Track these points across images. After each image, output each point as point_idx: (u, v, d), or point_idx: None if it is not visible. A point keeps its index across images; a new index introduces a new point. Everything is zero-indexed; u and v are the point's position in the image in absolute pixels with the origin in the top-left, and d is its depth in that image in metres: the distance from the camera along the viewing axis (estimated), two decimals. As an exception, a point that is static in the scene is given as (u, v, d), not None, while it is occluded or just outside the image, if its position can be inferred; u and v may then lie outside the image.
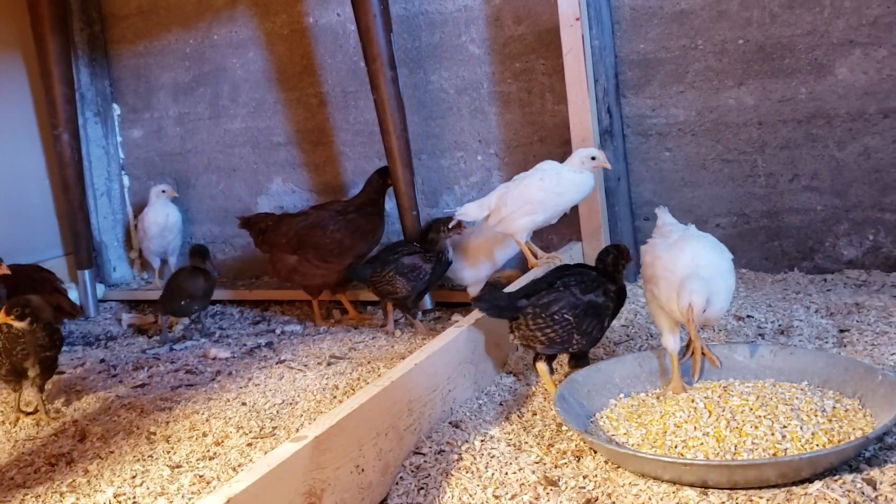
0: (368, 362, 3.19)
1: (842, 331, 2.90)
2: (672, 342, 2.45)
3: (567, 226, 4.16)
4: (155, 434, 2.70)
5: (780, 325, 3.01)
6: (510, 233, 3.49)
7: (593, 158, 3.36)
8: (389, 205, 4.19)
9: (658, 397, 2.39)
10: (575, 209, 3.92)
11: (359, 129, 4.60)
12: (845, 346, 2.76)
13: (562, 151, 3.98)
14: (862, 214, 3.66)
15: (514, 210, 3.40)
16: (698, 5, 3.85)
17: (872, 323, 2.93)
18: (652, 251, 2.52)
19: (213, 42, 4.89)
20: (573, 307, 2.54)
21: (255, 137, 4.88)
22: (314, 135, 4.73)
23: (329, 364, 3.22)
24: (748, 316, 3.11)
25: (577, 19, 3.74)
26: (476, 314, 2.75)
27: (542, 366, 2.59)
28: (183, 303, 3.86)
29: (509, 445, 2.26)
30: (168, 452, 2.55)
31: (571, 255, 3.82)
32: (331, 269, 3.97)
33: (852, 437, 2.01)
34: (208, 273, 3.93)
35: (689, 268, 2.30)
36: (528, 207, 3.37)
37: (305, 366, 3.24)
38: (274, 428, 2.65)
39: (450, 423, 2.40)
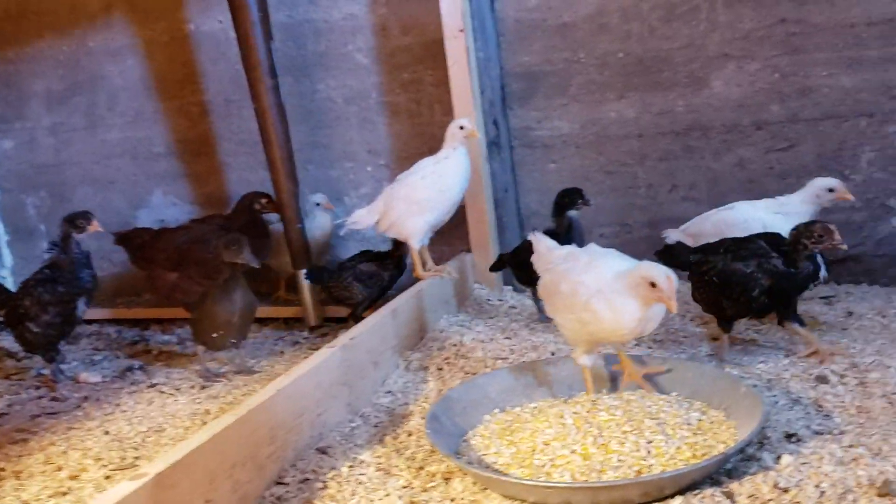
0: (245, 384, 3.06)
1: (714, 339, 2.96)
2: (588, 360, 2.41)
3: (458, 237, 4.15)
4: (4, 470, 2.51)
5: (657, 336, 3.04)
6: (403, 237, 3.44)
7: (462, 128, 3.36)
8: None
9: (532, 412, 2.37)
10: (465, 221, 3.91)
11: (242, 138, 4.46)
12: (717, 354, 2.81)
13: (450, 162, 3.94)
14: (739, 224, 3.74)
15: (402, 212, 3.36)
16: (580, 18, 3.88)
17: (742, 332, 2.99)
18: (569, 277, 2.35)
19: (88, 49, 4.66)
20: None
21: (135, 148, 4.67)
22: (196, 145, 4.56)
23: (203, 387, 3.08)
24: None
25: (461, 31, 3.72)
26: (353, 333, 2.68)
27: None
28: None
29: (379, 470, 2.19)
30: (17, 490, 2.37)
31: (461, 266, 3.79)
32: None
33: (715, 451, 2.02)
34: None
35: (627, 273, 2.23)
36: (417, 207, 3.34)
37: (177, 389, 3.09)
38: (136, 458, 2.50)
39: (317, 449, 2.31)
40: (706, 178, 3.82)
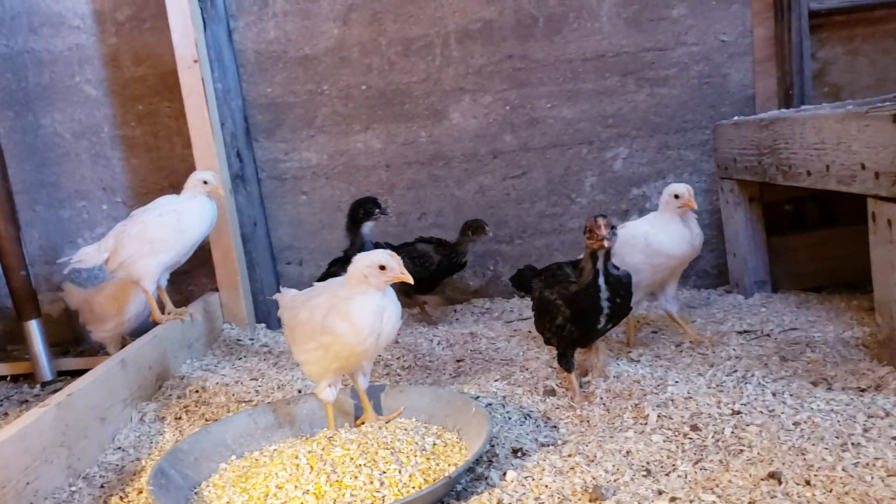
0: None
1: (458, 361, 3.04)
2: (330, 394, 2.36)
3: (205, 276, 3.98)
4: None
5: (405, 363, 3.08)
6: (134, 279, 3.20)
7: (205, 182, 3.23)
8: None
9: (270, 455, 2.29)
10: (210, 258, 3.75)
11: (-47, 179, 3.99)
12: (459, 375, 2.89)
13: (195, 198, 3.78)
14: (482, 247, 3.91)
15: (134, 252, 3.13)
16: (321, 51, 3.89)
17: (483, 351, 3.11)
18: (307, 304, 2.32)
19: None
20: None
21: None
22: None
23: None
24: (379, 356, 3.15)
25: (196, 61, 3.59)
26: (71, 388, 2.45)
27: None
28: None
29: (97, 537, 2.01)
30: None
31: (207, 306, 3.62)
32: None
33: (447, 473, 2.06)
34: None
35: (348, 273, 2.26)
36: (150, 247, 3.12)
37: None
38: None
39: (25, 521, 2.08)
40: (451, 204, 3.96)
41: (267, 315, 3.82)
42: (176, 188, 3.98)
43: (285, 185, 4.00)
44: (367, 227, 3.28)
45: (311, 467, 2.10)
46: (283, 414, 2.50)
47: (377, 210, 3.22)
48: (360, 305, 2.21)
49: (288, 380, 2.99)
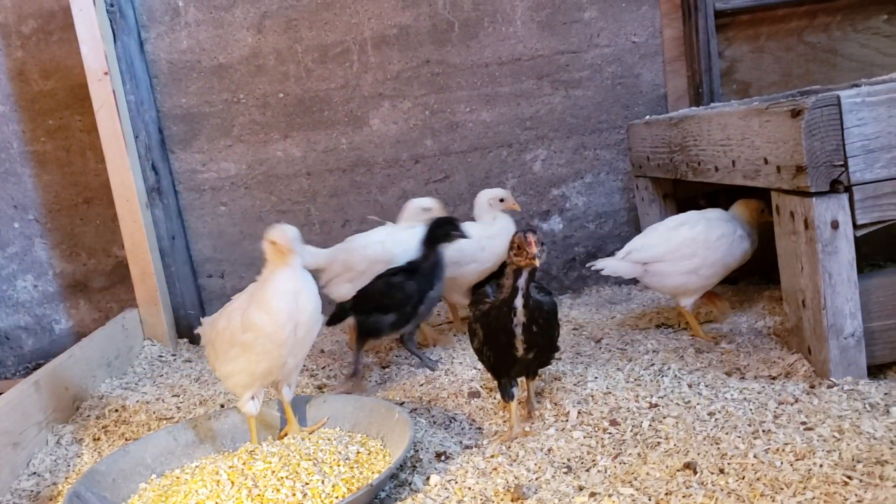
0: None
1: (384, 367, 3.04)
2: (253, 407, 2.32)
3: (125, 292, 3.89)
4: None
5: (331, 373, 3.06)
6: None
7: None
8: None
9: (192, 472, 2.25)
10: (128, 274, 3.67)
11: None
12: (385, 382, 2.89)
13: (112, 213, 3.70)
14: (408, 253, 3.90)
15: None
16: (236, 60, 3.84)
17: (410, 357, 3.11)
18: (224, 312, 2.32)
19: None
20: None
21: None
22: None
23: None
24: (304, 367, 3.12)
25: (106, 73, 3.50)
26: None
27: None
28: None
29: (7, 568, 1.94)
30: None
31: (126, 323, 3.53)
32: None
33: (370, 481, 2.05)
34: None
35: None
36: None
37: None
38: None
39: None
40: (375, 210, 3.95)
41: (189, 330, 3.74)
42: (91, 204, 3.90)
43: (203, 196, 3.93)
44: (443, 247, 2.91)
45: (232, 482, 2.06)
46: (205, 430, 2.46)
47: (455, 232, 2.90)
48: (273, 287, 2.19)
49: (210, 395, 2.94)
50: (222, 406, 2.81)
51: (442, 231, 2.86)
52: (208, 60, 3.84)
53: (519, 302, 2.12)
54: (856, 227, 2.24)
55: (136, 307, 3.67)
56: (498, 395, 2.54)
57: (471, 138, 3.89)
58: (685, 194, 3.61)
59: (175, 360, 3.52)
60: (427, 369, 2.93)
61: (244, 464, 2.14)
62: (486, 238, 3.16)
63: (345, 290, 3.07)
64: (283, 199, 3.93)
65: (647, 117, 3.58)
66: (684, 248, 2.81)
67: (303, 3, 3.82)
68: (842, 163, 2.20)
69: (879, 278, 2.34)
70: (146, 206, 3.64)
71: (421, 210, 3.16)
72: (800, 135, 2.20)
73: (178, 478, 2.26)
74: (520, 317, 2.13)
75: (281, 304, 2.18)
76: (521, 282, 2.10)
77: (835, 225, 2.22)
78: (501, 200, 3.24)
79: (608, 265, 2.89)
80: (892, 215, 2.25)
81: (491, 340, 2.23)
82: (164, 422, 2.75)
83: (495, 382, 2.36)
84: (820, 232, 2.22)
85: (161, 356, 3.55)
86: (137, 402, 2.95)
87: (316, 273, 2.96)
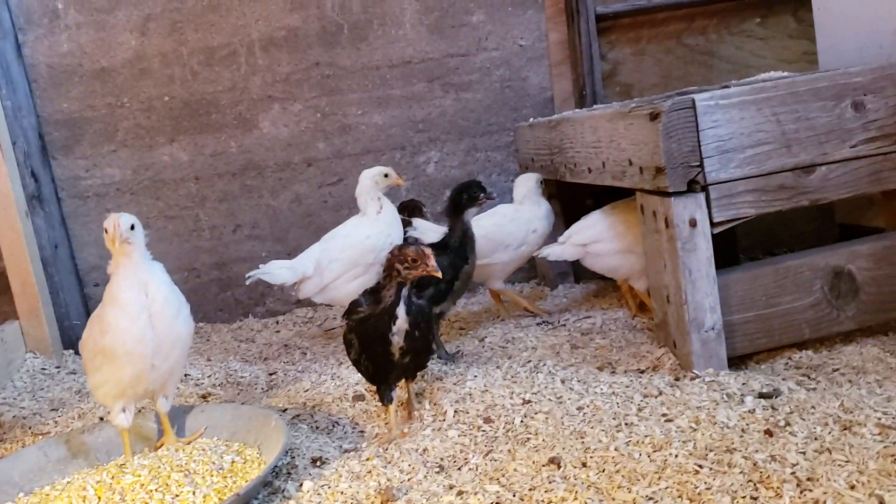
0: None
1: (270, 374, 3.02)
2: (124, 419, 2.27)
3: (6, 303, 3.74)
4: None
5: (216, 381, 3.02)
6: None
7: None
8: None
9: (63, 489, 2.19)
10: (9, 285, 3.54)
11: None
12: (271, 389, 2.88)
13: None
14: (302, 257, 3.89)
15: None
16: (119, 63, 3.75)
17: (297, 362, 3.11)
18: (105, 297, 2.24)
19: None
20: None
21: None
22: None
23: None
24: (186, 375, 3.07)
25: (-23, 77, 3.37)
26: None
27: None
28: None
29: None
30: None
31: (5, 336, 3.40)
32: None
33: (238, 490, 2.04)
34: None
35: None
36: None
37: None
38: None
39: None
40: (267, 215, 3.92)
41: (74, 341, 3.63)
42: (-35, 212, 3.73)
43: (88, 203, 3.83)
44: (470, 214, 2.83)
45: (100, 497, 2.03)
46: (77, 444, 2.40)
47: (482, 195, 2.80)
48: (118, 281, 2.16)
49: (90, 408, 2.87)
50: (101, 419, 2.74)
51: (468, 195, 2.76)
52: (90, 64, 3.74)
53: (402, 310, 2.18)
54: (713, 224, 2.36)
55: (18, 319, 3.55)
56: (388, 429, 2.58)
57: (364, 141, 3.91)
58: (574, 194, 3.71)
59: (59, 372, 3.42)
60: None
61: (113, 478, 2.10)
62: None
63: (353, 287, 2.86)
64: (170, 204, 3.86)
65: (531, 120, 3.66)
66: (618, 225, 2.90)
67: (188, 5, 3.76)
68: (698, 163, 2.30)
69: (738, 273, 2.46)
70: (26, 215, 3.52)
71: (376, 181, 2.95)
72: (658, 137, 2.29)
73: (47, 495, 2.20)
74: (401, 324, 2.19)
75: (128, 296, 2.13)
76: (405, 290, 2.18)
77: (693, 223, 2.33)
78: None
79: (553, 251, 3.01)
80: (746, 213, 2.38)
81: (368, 349, 2.26)
82: (41, 437, 2.67)
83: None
84: (679, 230, 2.32)
85: (44, 369, 3.44)
86: (13, 417, 2.85)
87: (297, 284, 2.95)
